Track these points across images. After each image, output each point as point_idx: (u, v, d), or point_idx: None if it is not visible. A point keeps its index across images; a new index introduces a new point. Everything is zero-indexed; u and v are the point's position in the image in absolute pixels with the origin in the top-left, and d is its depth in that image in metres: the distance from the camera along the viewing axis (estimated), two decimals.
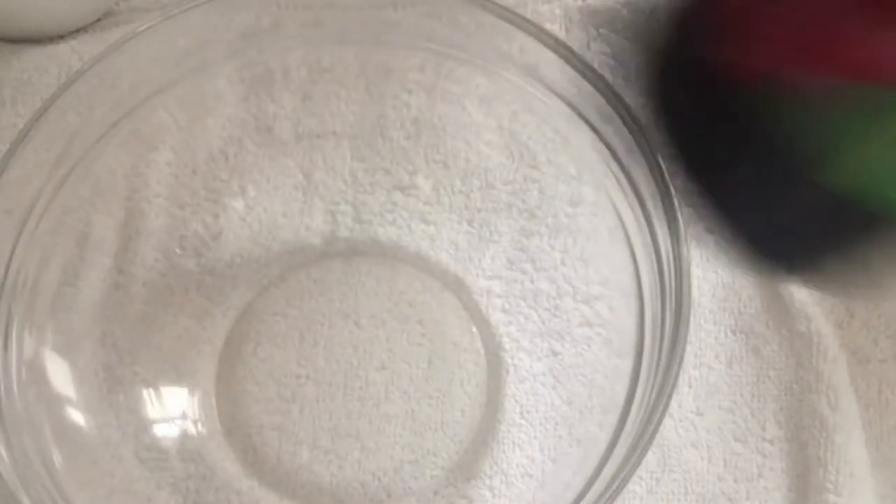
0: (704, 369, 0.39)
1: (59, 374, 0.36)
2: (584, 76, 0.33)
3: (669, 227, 0.32)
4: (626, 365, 0.34)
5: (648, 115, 0.43)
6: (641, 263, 0.35)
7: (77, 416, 0.36)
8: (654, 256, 0.34)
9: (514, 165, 0.40)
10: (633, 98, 0.43)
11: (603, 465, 0.32)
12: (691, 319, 0.31)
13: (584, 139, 0.35)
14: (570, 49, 0.34)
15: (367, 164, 0.41)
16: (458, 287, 0.41)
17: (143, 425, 0.38)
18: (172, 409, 0.39)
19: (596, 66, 0.34)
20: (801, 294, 0.40)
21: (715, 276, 0.41)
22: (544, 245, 0.40)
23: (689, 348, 0.34)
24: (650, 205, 0.33)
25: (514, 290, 0.40)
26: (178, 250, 0.40)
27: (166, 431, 0.38)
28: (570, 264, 0.39)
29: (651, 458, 0.38)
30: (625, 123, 0.33)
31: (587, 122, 0.35)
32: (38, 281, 0.35)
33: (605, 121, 0.34)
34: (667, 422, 0.38)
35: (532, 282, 0.40)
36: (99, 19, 0.44)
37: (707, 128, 0.22)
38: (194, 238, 0.40)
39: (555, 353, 0.39)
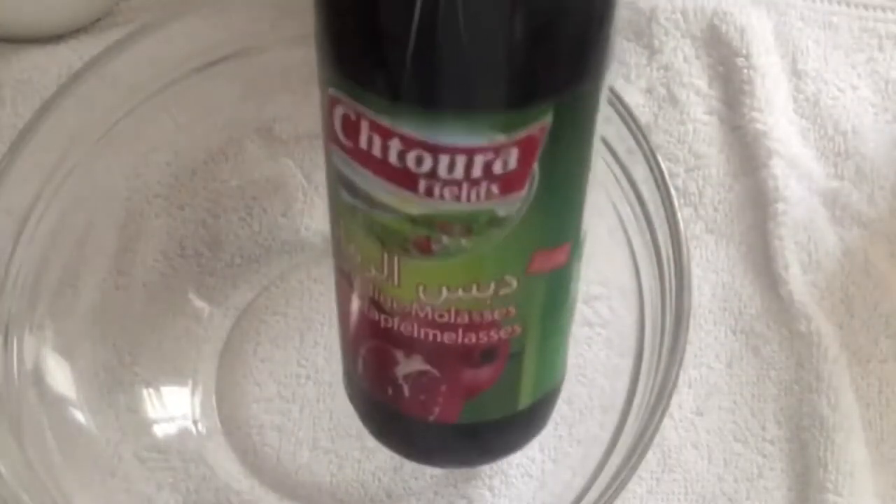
0: (704, 369, 0.39)
1: (59, 374, 0.36)
2: None
3: (669, 227, 0.32)
4: (626, 365, 0.34)
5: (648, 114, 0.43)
6: (641, 263, 0.35)
7: (77, 416, 0.36)
8: (654, 256, 0.34)
9: None
10: (633, 98, 0.43)
11: (603, 465, 0.32)
12: (691, 319, 0.31)
13: None
14: None
15: None
16: None
17: (143, 425, 0.38)
18: (172, 409, 0.39)
19: None
20: (801, 294, 0.40)
21: (715, 276, 0.41)
22: None
23: (689, 348, 0.34)
24: (650, 205, 0.33)
25: None
26: (178, 250, 0.40)
27: (166, 431, 0.38)
28: None
29: (651, 458, 0.38)
30: (625, 123, 0.33)
31: None
32: (38, 281, 0.35)
33: (605, 121, 0.34)
34: (667, 422, 0.38)
35: None
36: (99, 19, 0.44)
37: None
38: (194, 238, 0.40)
39: None
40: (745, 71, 0.43)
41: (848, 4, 0.45)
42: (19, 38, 0.43)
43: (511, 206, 0.23)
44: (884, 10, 0.45)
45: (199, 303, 0.40)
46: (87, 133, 0.35)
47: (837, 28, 0.45)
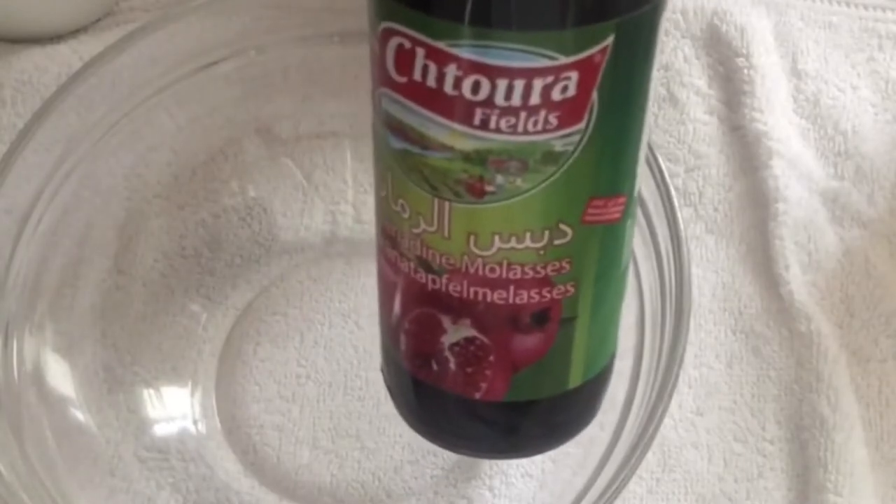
0: (704, 369, 0.39)
1: (59, 374, 0.36)
2: None
3: (669, 227, 0.32)
4: (626, 365, 0.34)
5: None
6: (641, 263, 0.35)
7: (77, 416, 0.36)
8: (654, 256, 0.34)
9: None
10: None
11: (603, 465, 0.32)
12: (691, 319, 0.31)
13: None
14: None
15: (367, 164, 0.40)
16: None
17: (143, 425, 0.38)
18: (172, 409, 0.39)
19: None
20: (801, 294, 0.40)
21: (715, 276, 0.41)
22: None
23: (689, 348, 0.34)
24: (650, 205, 0.33)
25: None
26: (178, 250, 0.40)
27: (166, 431, 0.38)
28: None
29: (651, 458, 0.38)
30: None
31: None
32: (38, 281, 0.35)
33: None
34: (667, 422, 0.38)
35: None
36: (99, 19, 0.44)
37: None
38: (194, 238, 0.40)
39: None
40: (745, 71, 0.43)
41: (848, 4, 0.45)
42: (19, 38, 0.43)
43: (568, 140, 0.23)
44: (884, 10, 0.45)
45: (199, 303, 0.40)
46: (87, 133, 0.35)
47: (837, 28, 0.45)
